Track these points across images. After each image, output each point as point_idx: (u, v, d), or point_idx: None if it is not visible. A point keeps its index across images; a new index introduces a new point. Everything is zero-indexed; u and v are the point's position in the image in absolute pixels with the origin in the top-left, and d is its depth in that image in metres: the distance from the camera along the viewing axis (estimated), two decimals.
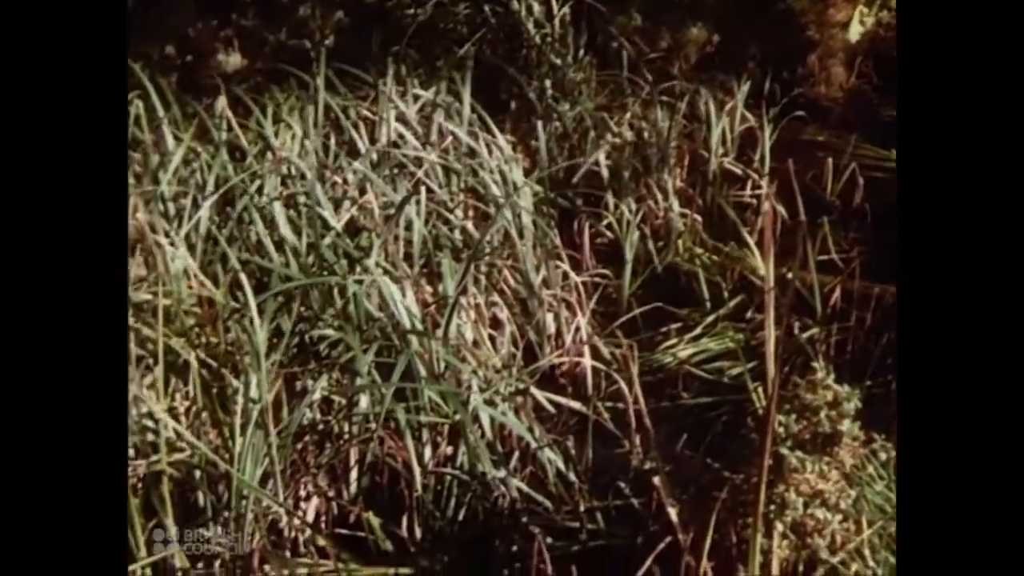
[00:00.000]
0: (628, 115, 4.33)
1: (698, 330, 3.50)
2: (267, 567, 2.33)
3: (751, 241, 3.80)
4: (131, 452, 2.46)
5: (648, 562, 2.13)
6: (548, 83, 4.38)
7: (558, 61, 4.48)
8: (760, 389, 2.75)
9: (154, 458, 2.34)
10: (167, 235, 2.86)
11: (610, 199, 3.91)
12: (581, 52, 4.62)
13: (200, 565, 2.38)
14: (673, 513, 2.24)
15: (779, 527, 2.15)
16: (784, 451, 2.15)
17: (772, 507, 2.13)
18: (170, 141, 3.31)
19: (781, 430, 2.19)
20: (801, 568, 2.20)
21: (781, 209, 3.88)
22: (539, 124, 3.97)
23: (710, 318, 3.55)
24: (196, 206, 3.06)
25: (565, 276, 3.38)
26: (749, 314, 3.51)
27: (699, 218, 4.00)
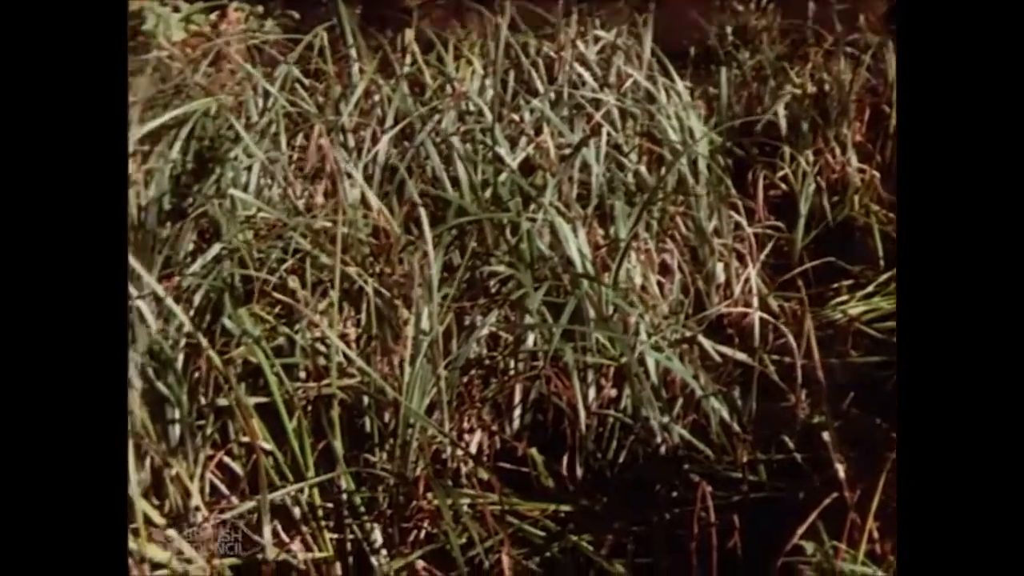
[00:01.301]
0: (810, 66, 4.25)
1: (870, 288, 3.43)
2: (430, 495, 2.36)
3: None
4: (302, 375, 2.53)
5: (813, 516, 2.10)
6: (729, 29, 4.32)
7: (740, 8, 4.41)
8: None
9: (325, 381, 2.39)
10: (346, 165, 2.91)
11: (787, 150, 3.85)
12: None
13: (364, 488, 2.44)
14: (840, 470, 2.20)
15: None
16: None
17: None
18: (353, 73, 3.36)
19: None
20: None
21: None
22: (721, 71, 3.93)
23: (883, 276, 3.47)
24: (375, 139, 3.10)
25: (737, 226, 3.34)
26: None
27: (877, 174, 3.91)
